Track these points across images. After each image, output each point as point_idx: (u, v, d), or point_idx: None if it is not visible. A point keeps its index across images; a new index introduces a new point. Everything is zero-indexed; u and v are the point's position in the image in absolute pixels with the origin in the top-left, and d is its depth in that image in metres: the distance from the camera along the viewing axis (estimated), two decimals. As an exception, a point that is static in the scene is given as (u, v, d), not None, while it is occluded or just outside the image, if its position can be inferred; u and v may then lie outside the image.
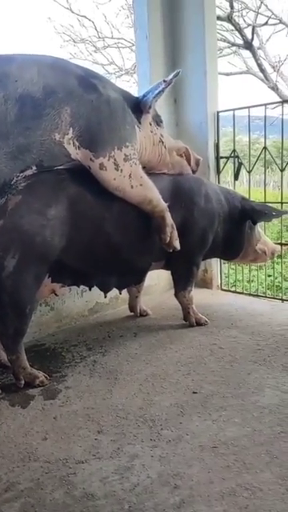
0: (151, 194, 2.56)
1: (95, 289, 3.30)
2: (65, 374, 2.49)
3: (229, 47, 10.77)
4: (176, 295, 3.11)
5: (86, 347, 2.85)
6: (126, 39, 10.40)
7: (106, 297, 2.98)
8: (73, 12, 10.13)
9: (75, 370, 2.53)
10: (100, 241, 2.50)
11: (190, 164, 2.99)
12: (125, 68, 10.92)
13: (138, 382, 2.36)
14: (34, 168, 2.22)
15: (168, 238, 2.67)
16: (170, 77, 2.57)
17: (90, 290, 2.86)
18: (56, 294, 2.70)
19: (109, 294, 3.43)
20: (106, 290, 2.84)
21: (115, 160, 2.38)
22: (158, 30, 3.77)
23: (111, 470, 1.71)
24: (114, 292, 3.47)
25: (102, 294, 3.39)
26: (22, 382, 2.33)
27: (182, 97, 3.90)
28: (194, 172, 3.05)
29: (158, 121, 2.77)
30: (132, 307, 3.39)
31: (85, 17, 10.13)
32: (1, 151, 2.08)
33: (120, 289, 2.97)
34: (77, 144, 2.30)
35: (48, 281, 2.45)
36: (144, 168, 2.60)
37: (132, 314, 3.41)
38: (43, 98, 2.16)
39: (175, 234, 2.71)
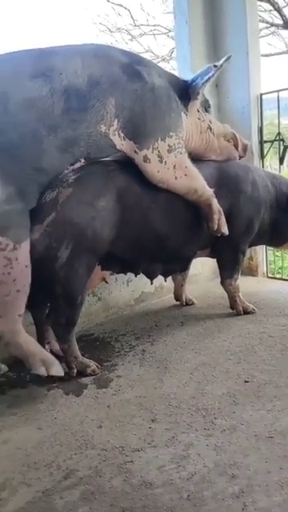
0: (196, 183, 2.53)
1: (140, 278, 3.33)
2: (115, 363, 2.52)
3: (267, 28, 10.45)
4: (222, 283, 3.08)
5: (135, 336, 2.87)
6: (161, 26, 10.26)
7: (152, 283, 2.98)
8: (108, 1, 10.07)
9: (125, 359, 2.55)
10: (147, 231, 2.50)
11: (237, 149, 2.93)
12: (161, 55, 10.79)
13: (189, 371, 2.35)
14: (83, 161, 2.23)
15: (216, 226, 2.64)
16: (221, 62, 2.51)
17: (135, 276, 2.87)
18: (106, 282, 2.73)
19: (154, 284, 3.46)
20: (151, 277, 2.85)
21: (159, 152, 2.36)
22: (198, 14, 3.71)
23: (167, 458, 1.71)
24: (159, 281, 3.48)
25: (148, 283, 3.41)
26: (75, 370, 2.38)
27: (223, 81, 3.82)
28: (241, 158, 3.00)
29: (206, 106, 2.72)
30: (178, 296, 3.38)
31: (120, 5, 10.05)
32: (51, 144, 2.10)
33: (165, 276, 2.98)
34: (122, 135, 2.29)
35: (98, 269, 2.49)
36: (189, 155, 2.56)
37: (177, 303, 3.41)
38: (88, 89, 2.16)
39: (223, 219, 2.68)
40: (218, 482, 1.58)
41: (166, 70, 2.59)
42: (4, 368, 2.49)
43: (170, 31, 9.94)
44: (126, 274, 2.82)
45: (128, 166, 2.39)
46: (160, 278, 2.99)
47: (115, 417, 2.01)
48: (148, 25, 10.20)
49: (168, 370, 2.40)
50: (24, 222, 2.11)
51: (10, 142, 2.02)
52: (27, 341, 2.21)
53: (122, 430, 1.91)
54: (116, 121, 2.25)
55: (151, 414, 2.00)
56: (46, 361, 2.23)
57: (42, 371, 2.21)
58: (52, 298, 2.35)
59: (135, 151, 2.35)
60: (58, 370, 2.26)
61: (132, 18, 10.13)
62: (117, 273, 2.74)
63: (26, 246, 2.10)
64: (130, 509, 1.50)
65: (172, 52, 9.19)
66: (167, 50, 9.97)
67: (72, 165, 2.21)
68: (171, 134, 2.41)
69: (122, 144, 2.31)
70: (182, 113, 2.52)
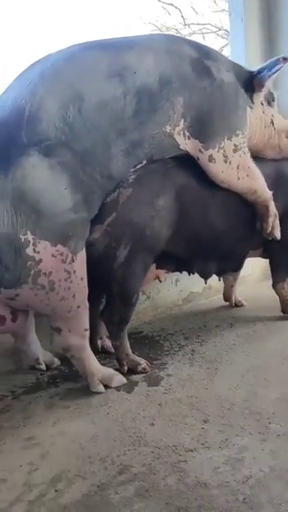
0: (256, 184, 2.49)
1: (189, 278, 3.32)
2: (165, 361, 2.52)
3: None
4: (274, 286, 3.02)
5: (183, 336, 2.86)
6: (211, 24, 10.15)
7: (206, 283, 2.96)
8: (160, 0, 10.03)
9: (175, 359, 2.55)
10: (204, 229, 2.50)
11: None
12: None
13: (240, 374, 2.32)
14: (144, 162, 2.22)
15: (270, 228, 2.60)
16: None
17: (189, 275, 2.86)
18: (160, 280, 2.75)
19: (202, 284, 3.45)
20: (206, 276, 2.84)
21: (224, 151, 2.33)
22: (253, 11, 3.67)
23: (222, 460, 1.70)
24: (208, 281, 3.46)
25: (196, 283, 3.42)
26: (126, 367, 2.40)
27: (280, 78, 3.73)
28: None
29: (269, 99, 2.64)
30: (227, 297, 3.35)
31: (171, 4, 9.99)
32: (117, 149, 2.06)
33: (219, 275, 2.96)
34: (187, 134, 2.27)
35: (153, 267, 2.51)
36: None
37: (226, 304, 3.38)
38: (158, 89, 2.12)
39: (277, 223, 2.63)
40: (274, 486, 1.56)
41: (231, 61, 2.53)
42: (57, 362, 2.54)
43: (219, 30, 9.86)
44: (181, 272, 2.81)
45: (186, 162, 2.38)
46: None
47: (167, 415, 2.01)
48: (198, 24, 10.11)
49: (218, 371, 2.38)
50: (85, 232, 2.07)
51: (83, 148, 1.97)
52: (90, 358, 2.23)
53: (174, 429, 1.91)
54: (182, 120, 2.23)
55: (203, 415, 1.99)
56: (105, 378, 2.26)
57: (100, 389, 2.23)
58: (107, 296, 2.39)
59: (200, 150, 2.33)
60: (118, 380, 2.28)
61: (182, 17, 10.06)
62: (172, 271, 2.74)
63: (81, 257, 2.06)
64: (186, 508, 1.49)
65: (221, 51, 9.09)
66: (216, 48, 9.87)
67: (134, 167, 2.20)
68: (238, 132, 2.37)
69: (186, 143, 2.29)
70: (248, 107, 2.46)
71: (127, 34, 2.43)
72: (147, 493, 1.57)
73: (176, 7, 10.01)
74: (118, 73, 2.04)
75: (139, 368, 2.40)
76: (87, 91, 1.99)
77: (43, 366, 2.49)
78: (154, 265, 2.52)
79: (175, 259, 2.59)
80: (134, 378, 2.36)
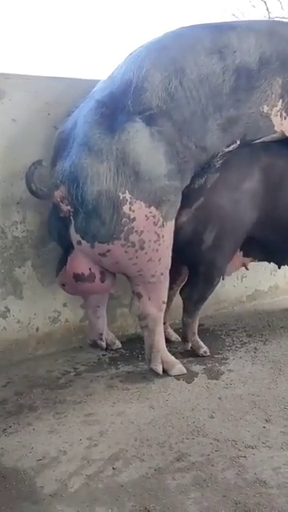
0: None
1: (255, 276, 3.26)
2: (226, 357, 2.48)
3: None
4: None
5: (246, 333, 2.80)
6: (295, 18, 9.81)
7: None
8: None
9: (236, 355, 2.50)
10: None
11: None
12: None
13: (305, 377, 2.25)
14: (238, 142, 2.22)
15: None
16: None
17: (279, 268, 2.80)
18: (246, 268, 2.71)
19: (268, 283, 3.36)
20: None
21: None
22: None
23: (283, 461, 1.65)
24: (274, 281, 3.38)
25: (262, 281, 3.34)
26: (190, 344, 2.46)
27: None
28: None
29: None
30: (294, 299, 3.24)
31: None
32: (214, 122, 2.11)
33: None
34: (284, 115, 2.25)
35: (240, 254, 2.50)
36: None
37: (291, 305, 3.27)
38: (257, 69, 2.15)
39: None
40: None
41: None
42: (117, 344, 2.57)
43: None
44: (268, 262, 2.73)
45: (273, 145, 2.34)
46: (274, 277, 2.87)
47: (227, 410, 1.98)
48: (283, 18, 9.78)
49: (283, 372, 2.30)
50: (176, 201, 2.15)
51: (182, 118, 2.06)
52: (161, 335, 2.29)
53: (234, 425, 1.87)
54: (280, 101, 2.23)
55: (265, 414, 1.94)
56: (167, 362, 2.29)
57: (159, 369, 2.26)
58: (190, 276, 2.44)
59: None
60: (179, 369, 2.29)
61: (267, 10, 9.79)
62: (259, 260, 2.68)
63: (170, 226, 2.14)
64: (243, 503, 1.46)
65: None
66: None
67: (228, 146, 2.20)
68: None
69: (282, 124, 2.27)
70: None
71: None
72: (204, 483, 1.56)
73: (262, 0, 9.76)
74: (219, 50, 2.10)
75: (201, 351, 2.44)
76: (189, 65, 2.07)
77: (104, 344, 2.55)
78: (241, 252, 2.49)
79: (263, 247, 2.53)
80: (194, 369, 2.34)
